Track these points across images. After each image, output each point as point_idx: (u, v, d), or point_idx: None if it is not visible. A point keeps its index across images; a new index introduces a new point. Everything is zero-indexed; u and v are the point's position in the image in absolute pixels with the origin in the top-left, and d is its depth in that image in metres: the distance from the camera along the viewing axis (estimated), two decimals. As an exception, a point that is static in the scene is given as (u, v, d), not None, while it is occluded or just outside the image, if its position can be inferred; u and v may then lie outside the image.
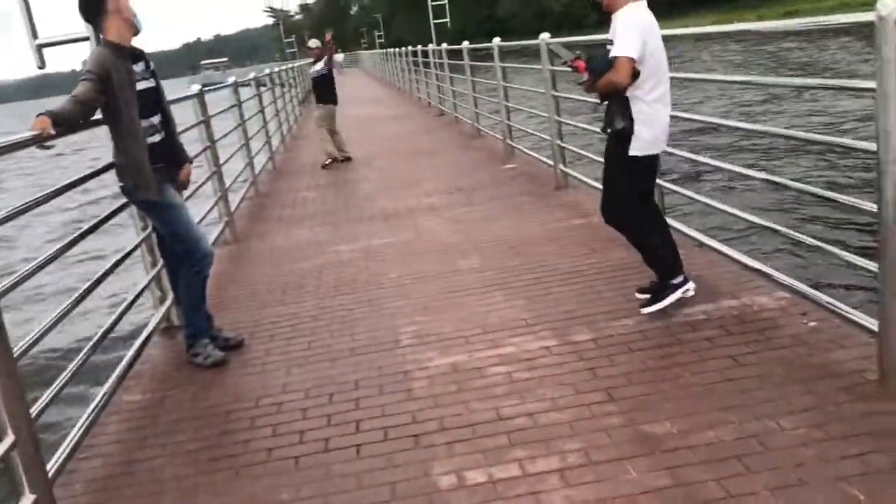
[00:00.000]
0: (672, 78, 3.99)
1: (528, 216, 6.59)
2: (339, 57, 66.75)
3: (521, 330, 4.10)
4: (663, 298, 4.07)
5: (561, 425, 3.04)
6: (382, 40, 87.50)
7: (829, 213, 7.79)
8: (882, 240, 2.86)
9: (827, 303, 3.45)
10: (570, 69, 4.12)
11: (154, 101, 4.05)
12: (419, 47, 19.83)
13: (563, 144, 7.36)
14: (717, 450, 2.73)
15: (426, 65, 19.12)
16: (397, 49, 26.95)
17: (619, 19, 3.79)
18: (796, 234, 3.74)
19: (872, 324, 3.05)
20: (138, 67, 3.95)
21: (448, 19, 37.33)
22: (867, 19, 2.73)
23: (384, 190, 8.99)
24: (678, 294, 4.07)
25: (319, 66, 12.04)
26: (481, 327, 4.20)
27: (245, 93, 10.61)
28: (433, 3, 36.77)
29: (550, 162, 7.65)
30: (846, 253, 3.36)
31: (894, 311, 2.88)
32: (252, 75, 12.64)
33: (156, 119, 4.05)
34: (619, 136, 3.91)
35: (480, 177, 8.90)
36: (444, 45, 15.30)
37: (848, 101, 15.49)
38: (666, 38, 3.91)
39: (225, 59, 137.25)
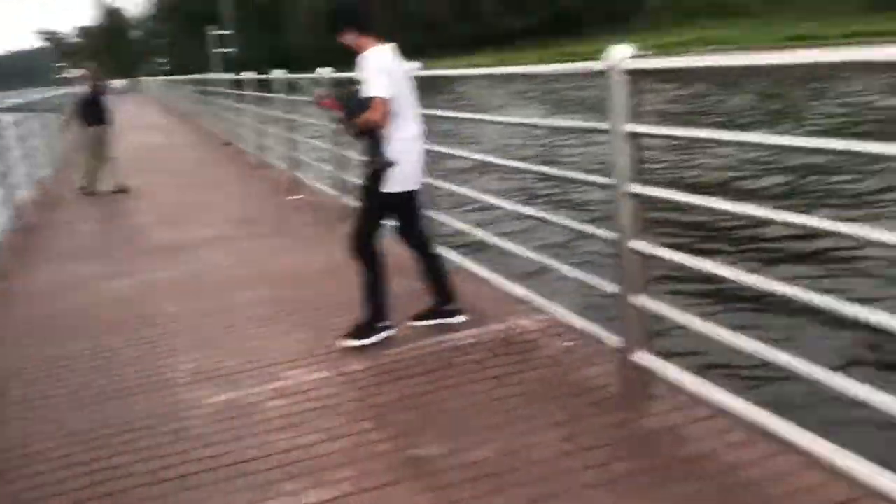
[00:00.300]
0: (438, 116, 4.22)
1: (312, 248, 6.61)
2: (116, 83, 63.36)
3: (299, 362, 4.10)
4: (369, 336, 4.19)
5: (333, 455, 3.08)
6: (167, 67, 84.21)
7: (582, 241, 8.43)
8: (620, 264, 3.17)
9: (578, 325, 3.76)
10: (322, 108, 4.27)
11: None
12: (201, 76, 19.31)
13: (346, 177, 7.46)
14: (481, 468, 2.89)
15: (212, 94, 18.64)
16: (181, 77, 26.08)
17: (368, 61, 3.97)
18: (551, 261, 4.05)
19: (615, 342, 3.36)
20: None
21: (232, 49, 36.56)
22: (598, 68, 3.04)
23: (165, 222, 8.64)
24: (383, 335, 4.22)
25: (83, 87, 11.42)
26: (260, 361, 4.16)
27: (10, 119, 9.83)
28: (216, 33, 35.89)
29: (335, 192, 7.73)
30: (594, 277, 3.68)
31: (630, 330, 3.20)
32: (21, 101, 11.73)
33: None
34: (375, 173, 4.06)
35: (265, 208, 8.82)
36: (227, 75, 15.01)
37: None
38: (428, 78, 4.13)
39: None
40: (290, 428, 3.36)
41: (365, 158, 4.10)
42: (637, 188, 3.05)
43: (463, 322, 4.32)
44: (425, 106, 4.34)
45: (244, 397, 3.72)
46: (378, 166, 4.02)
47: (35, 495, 3.04)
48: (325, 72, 7.23)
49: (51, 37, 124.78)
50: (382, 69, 3.95)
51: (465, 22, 68.77)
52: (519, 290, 4.35)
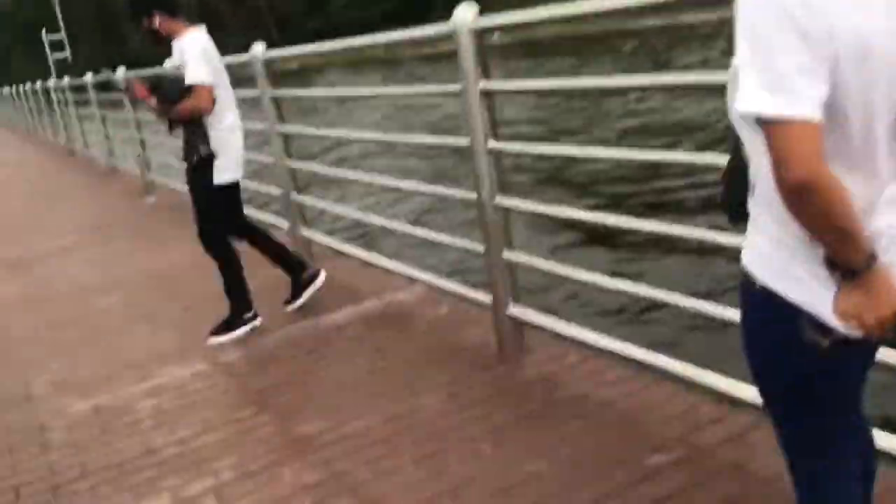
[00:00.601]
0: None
1: (172, 247, 6.33)
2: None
3: (170, 359, 3.93)
4: (236, 329, 4.11)
5: (213, 445, 2.98)
6: (-3, 80, 78.58)
7: (447, 207, 8.53)
8: (483, 223, 3.22)
9: (452, 289, 3.79)
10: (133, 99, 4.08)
11: None
12: (39, 84, 18.13)
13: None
14: (367, 437, 2.87)
15: (49, 103, 17.54)
16: (15, 87, 24.40)
17: (186, 45, 3.80)
18: (416, 230, 4.07)
19: (487, 300, 3.41)
20: None
21: (68, 53, 34.59)
22: (446, 30, 3.06)
23: (9, 237, 8.09)
24: (249, 327, 4.13)
25: None
26: (125, 363, 3.96)
27: None
28: (50, 38, 33.89)
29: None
30: (458, 240, 3.72)
31: (500, 286, 3.26)
32: None
33: None
34: (201, 165, 3.91)
35: (119, 213, 8.42)
36: (66, 80, 14.17)
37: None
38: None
39: None
40: (165, 425, 3.22)
41: (187, 150, 3.92)
42: (493, 144, 3.09)
43: (340, 300, 4.27)
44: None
45: (113, 400, 3.54)
46: (201, 158, 3.87)
47: None
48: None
49: None
50: (202, 54, 3.80)
51: (314, 17, 67.88)
52: (392, 264, 4.34)
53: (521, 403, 2.94)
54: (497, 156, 3.13)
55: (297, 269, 4.31)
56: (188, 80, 3.75)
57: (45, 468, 3.02)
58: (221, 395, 3.44)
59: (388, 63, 36.53)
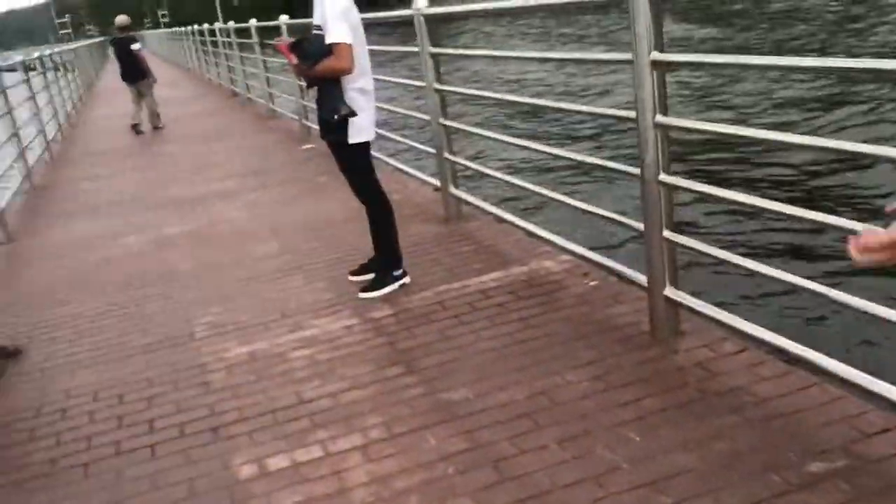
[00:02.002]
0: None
1: (327, 196, 6.54)
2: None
3: (322, 311, 4.07)
4: (385, 287, 4.18)
5: (362, 402, 3.06)
6: (167, 19, 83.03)
7: (603, 178, 8.34)
8: (644, 201, 3.10)
9: (604, 263, 3.69)
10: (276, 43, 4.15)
11: None
12: (206, 26, 18.99)
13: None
14: (511, 409, 2.86)
15: (215, 44, 18.38)
16: (184, 28, 25.70)
17: (328, 4, 3.77)
18: (573, 201, 3.97)
19: (642, 279, 3.30)
20: None
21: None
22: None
23: (174, 176, 8.58)
24: (397, 285, 4.20)
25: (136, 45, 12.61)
26: (281, 312, 4.13)
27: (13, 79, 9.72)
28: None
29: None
30: (617, 215, 3.60)
31: (658, 266, 3.13)
32: (19, 59, 11.57)
33: None
34: (338, 125, 3.92)
35: (277, 159, 8.72)
36: (232, 23, 14.75)
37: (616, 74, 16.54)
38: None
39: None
40: (316, 377, 3.33)
41: (325, 109, 3.95)
42: (662, 119, 2.95)
43: (488, 265, 4.27)
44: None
45: (267, 349, 3.70)
46: (341, 116, 3.89)
47: (66, 451, 3.04)
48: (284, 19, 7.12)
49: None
50: (343, 14, 3.78)
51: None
52: (541, 232, 4.27)
53: (672, 390, 2.84)
54: (664, 131, 2.99)
55: (392, 260, 4.29)
56: (329, 40, 3.75)
57: (206, 409, 3.21)
58: (370, 351, 3.51)
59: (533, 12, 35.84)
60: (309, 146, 9.17)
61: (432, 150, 5.39)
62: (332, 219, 5.84)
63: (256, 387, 3.33)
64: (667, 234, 3.08)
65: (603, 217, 3.76)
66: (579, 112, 3.65)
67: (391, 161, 6.63)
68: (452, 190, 5.28)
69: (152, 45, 46.69)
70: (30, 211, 7.80)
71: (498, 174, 4.97)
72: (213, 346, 3.82)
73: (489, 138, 5.00)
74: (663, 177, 3.01)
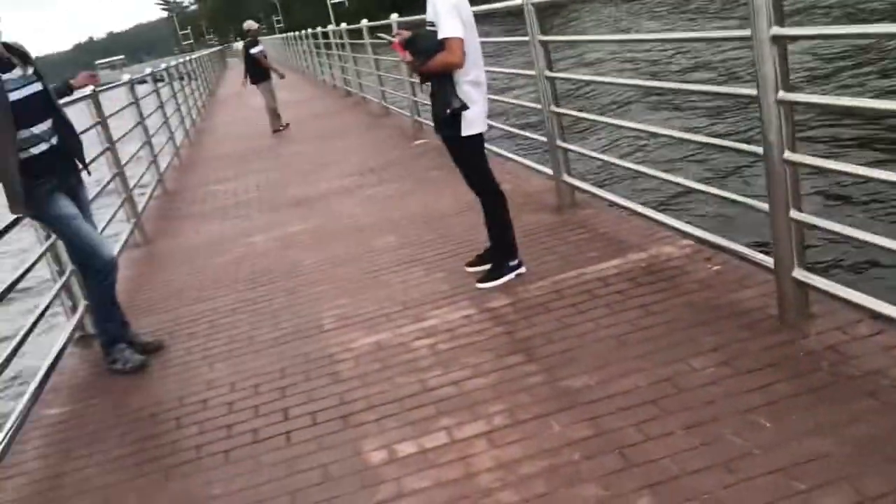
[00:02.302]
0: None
1: (441, 190, 6.64)
2: (238, 45, 65.23)
3: (441, 302, 4.15)
4: (501, 276, 4.22)
5: (485, 390, 3.11)
6: (281, 25, 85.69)
7: (722, 159, 8.07)
8: (769, 181, 3.00)
9: (728, 246, 3.60)
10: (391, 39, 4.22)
11: (42, 107, 3.89)
12: (319, 29, 19.54)
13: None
14: (634, 396, 2.85)
15: (328, 46, 18.88)
16: (297, 32, 26.54)
17: (438, 1, 3.84)
18: (693, 183, 3.88)
19: (769, 262, 3.20)
20: (12, 75, 3.76)
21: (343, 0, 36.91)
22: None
23: (295, 176, 8.90)
24: (513, 274, 4.23)
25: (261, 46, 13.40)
26: (402, 303, 4.24)
27: (143, 90, 10.30)
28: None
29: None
30: (740, 196, 3.50)
31: (786, 247, 3.04)
32: (148, 71, 12.26)
33: (43, 126, 3.87)
34: (451, 118, 3.98)
35: (391, 155, 8.90)
36: (344, 25, 15.12)
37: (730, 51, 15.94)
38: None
39: (121, 56, 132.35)
40: (439, 365, 3.41)
41: (438, 103, 4.01)
42: (785, 95, 2.85)
43: (595, 255, 4.25)
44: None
45: (391, 339, 3.81)
46: (453, 110, 3.94)
47: (208, 439, 3.24)
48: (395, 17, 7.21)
49: (170, 6, 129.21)
50: (454, 8, 3.84)
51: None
52: (660, 216, 4.21)
53: (804, 375, 2.75)
54: (788, 108, 2.89)
55: (507, 250, 4.30)
56: (441, 35, 3.83)
57: (336, 398, 3.34)
58: (489, 340, 3.56)
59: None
60: (421, 141, 9.32)
61: (543, 139, 5.39)
62: (446, 212, 5.93)
63: (382, 376, 3.44)
64: (794, 213, 2.98)
65: (724, 199, 3.67)
66: (697, 91, 3.56)
67: (502, 151, 6.65)
68: (565, 178, 5.26)
69: (267, 49, 48.40)
70: (163, 214, 8.27)
71: (612, 159, 4.90)
72: (341, 338, 3.96)
73: (601, 123, 4.94)
74: (788, 155, 2.91)
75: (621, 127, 4.72)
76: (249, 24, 13.58)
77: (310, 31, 21.93)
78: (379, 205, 6.65)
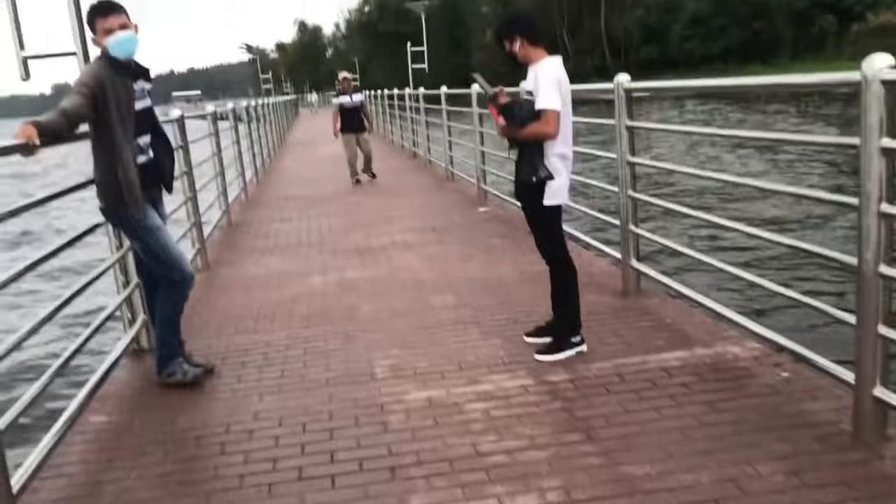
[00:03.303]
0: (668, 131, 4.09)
1: (501, 257, 6.63)
2: (312, 96, 67.13)
3: (498, 368, 4.09)
4: (563, 351, 4.16)
5: (539, 463, 3.03)
6: (357, 83, 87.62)
7: (803, 262, 7.95)
8: (860, 293, 2.92)
9: (802, 354, 3.49)
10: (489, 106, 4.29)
11: (148, 122, 4.03)
12: (395, 91, 19.99)
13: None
14: (695, 493, 2.74)
15: (401, 108, 19.28)
16: (372, 92, 27.22)
17: (540, 72, 3.97)
18: (768, 283, 3.79)
19: (847, 375, 3.10)
20: (139, 85, 3.93)
21: (426, 65, 37.75)
22: (854, 79, 2.82)
23: (357, 225, 8.98)
24: (574, 351, 4.17)
25: (359, 96, 13.24)
26: (457, 363, 4.19)
27: (222, 124, 10.58)
28: (412, 50, 37.29)
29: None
30: (821, 304, 3.41)
31: (869, 363, 2.93)
32: (231, 106, 12.63)
33: (146, 139, 4.01)
34: (535, 186, 4.05)
35: (454, 218, 8.95)
36: (422, 90, 15.46)
37: (821, 157, 15.87)
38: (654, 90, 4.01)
39: (197, 91, 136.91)
40: (493, 431, 3.34)
41: (525, 170, 4.08)
42: (889, 208, 2.79)
43: (669, 342, 4.16)
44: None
45: (445, 397, 3.75)
46: (539, 179, 4.00)
47: (252, 469, 3.19)
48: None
49: (253, 51, 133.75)
50: (555, 81, 3.95)
51: (650, 46, 67.46)
52: (729, 313, 4.12)
53: (878, 499, 2.62)
54: (890, 221, 2.83)
55: (571, 325, 4.26)
56: (539, 105, 3.93)
57: (384, 448, 3.28)
58: (547, 414, 3.48)
59: (734, 96, 35.10)
60: (485, 209, 9.37)
61: (615, 222, 5.37)
62: (505, 279, 5.90)
63: (433, 433, 3.37)
64: (882, 329, 2.88)
65: (802, 304, 3.58)
66: (790, 193, 3.51)
67: (569, 228, 6.63)
68: (634, 263, 5.22)
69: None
70: (226, 244, 8.39)
71: (685, 249, 4.85)
72: (393, 388, 3.92)
73: (680, 213, 4.90)
74: (884, 269, 2.84)
75: (701, 219, 4.65)
76: (344, 75, 13.67)
77: (386, 91, 22.46)
78: (439, 263, 6.66)
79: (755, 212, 11.89)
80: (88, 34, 4.03)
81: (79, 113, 3.57)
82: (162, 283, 4.13)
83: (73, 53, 4.54)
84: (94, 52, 4.23)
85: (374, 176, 13.36)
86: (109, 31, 3.78)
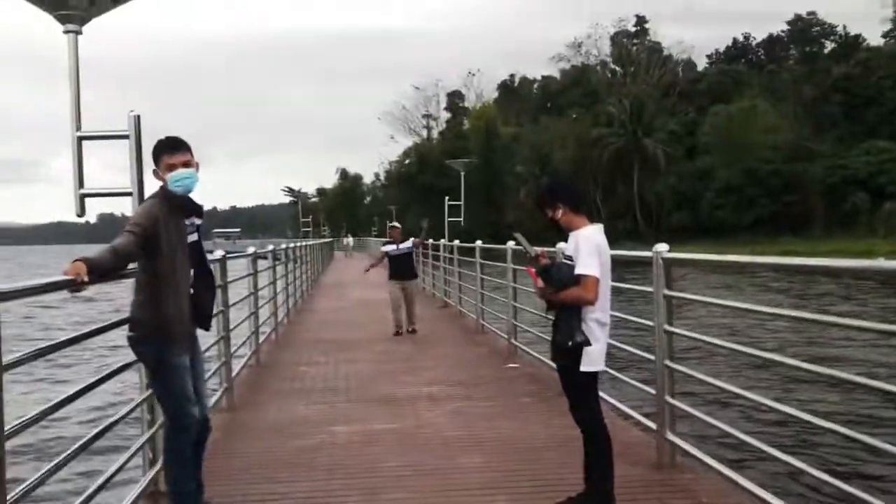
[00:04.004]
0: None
1: (531, 418, 6.48)
2: (348, 240, 68.57)
3: (524, 539, 3.90)
4: None
5: None
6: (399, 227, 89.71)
7: (853, 450, 7.63)
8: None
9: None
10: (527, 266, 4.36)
11: (194, 256, 4.12)
12: (430, 241, 20.36)
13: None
14: None
15: (435, 257, 19.57)
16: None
17: (582, 238, 4.06)
18: (816, 471, 3.64)
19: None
20: (189, 220, 4.05)
21: (462, 218, 38.79)
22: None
23: (384, 373, 8.90)
24: None
25: (408, 244, 13.05)
26: (483, 531, 4.01)
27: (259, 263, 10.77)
28: (449, 203, 38.54)
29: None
30: (867, 496, 3.25)
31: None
32: (271, 247, 12.90)
33: (191, 273, 4.09)
34: (572, 350, 4.05)
35: (483, 372, 8.85)
36: (457, 242, 15.73)
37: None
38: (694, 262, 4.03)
39: (237, 229, 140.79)
40: None
41: (562, 333, 4.10)
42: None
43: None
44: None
45: (468, 568, 3.56)
46: (576, 343, 4.01)
47: None
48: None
49: (294, 194, 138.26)
50: (596, 248, 4.03)
51: (682, 212, 68.69)
52: (770, 497, 3.92)
53: None
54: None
55: (604, 499, 4.14)
56: (578, 270, 4.00)
57: None
58: None
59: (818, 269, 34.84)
60: (514, 365, 9.27)
61: (651, 391, 5.26)
62: (535, 442, 5.74)
63: None
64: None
65: (846, 493, 3.41)
66: (841, 378, 3.42)
67: (602, 394, 6.50)
68: (669, 435, 5.06)
69: (373, 250, 50.71)
70: (253, 385, 8.33)
71: (726, 427, 4.70)
72: (414, 555, 3.74)
73: (722, 389, 4.78)
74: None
75: (751, 399, 4.52)
76: (393, 225, 13.95)
77: (424, 239, 22.86)
78: (466, 420, 6.52)
79: (795, 388, 11.59)
80: (148, 168, 4.20)
81: (129, 252, 3.67)
82: (169, 424, 4.09)
83: (130, 193, 4.71)
84: (149, 188, 4.40)
85: (413, 331, 12.58)
86: (172, 167, 3.95)
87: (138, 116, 4.75)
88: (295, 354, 10.62)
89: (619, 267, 4.25)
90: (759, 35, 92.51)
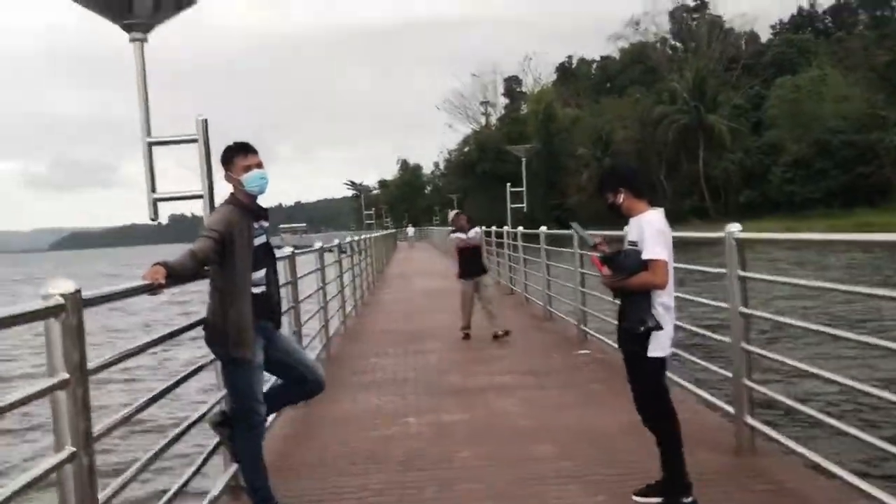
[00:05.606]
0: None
1: (604, 405, 6.42)
2: (409, 230, 69.03)
3: (603, 528, 3.87)
4: None
5: None
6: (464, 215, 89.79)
7: None
8: None
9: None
10: (590, 253, 4.30)
11: (264, 256, 4.20)
12: (493, 228, 20.30)
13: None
14: None
15: (498, 245, 19.51)
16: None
17: (645, 223, 4.01)
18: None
19: None
20: (257, 223, 4.14)
21: (524, 204, 38.56)
22: None
23: (454, 363, 8.93)
24: None
25: (476, 230, 11.31)
26: (560, 521, 3.99)
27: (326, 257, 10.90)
28: (511, 190, 38.33)
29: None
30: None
31: None
32: (336, 241, 13.04)
33: (261, 273, 4.17)
34: (640, 336, 3.99)
35: (553, 360, 8.79)
36: (521, 228, 15.65)
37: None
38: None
39: (303, 224, 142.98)
40: None
41: (630, 319, 4.05)
42: None
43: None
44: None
45: (547, 559, 3.55)
46: (646, 328, 3.96)
47: None
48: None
49: (356, 187, 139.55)
50: (661, 232, 3.98)
51: (750, 189, 66.98)
52: (861, 483, 3.80)
53: None
54: None
55: (681, 485, 4.07)
56: (646, 256, 3.95)
57: None
58: (658, 586, 3.23)
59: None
60: (584, 351, 9.19)
61: (728, 374, 5.14)
62: (608, 429, 5.68)
63: None
64: None
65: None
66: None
67: (676, 377, 6.39)
68: (748, 419, 4.94)
69: (435, 239, 50.89)
70: (326, 378, 8.42)
71: (807, 409, 4.57)
72: (492, 546, 3.74)
73: (804, 372, 4.62)
74: None
75: (832, 380, 4.38)
76: (456, 211, 12.34)
77: (483, 228, 22.83)
78: (538, 409, 6.49)
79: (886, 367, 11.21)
80: (218, 173, 4.30)
81: (207, 257, 3.79)
82: (236, 424, 4.17)
83: (200, 196, 4.81)
84: (219, 190, 4.50)
85: (499, 336, 10.40)
86: (248, 169, 4.06)
87: (206, 120, 4.85)
88: (365, 346, 10.73)
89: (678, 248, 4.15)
90: (825, 2, 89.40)
